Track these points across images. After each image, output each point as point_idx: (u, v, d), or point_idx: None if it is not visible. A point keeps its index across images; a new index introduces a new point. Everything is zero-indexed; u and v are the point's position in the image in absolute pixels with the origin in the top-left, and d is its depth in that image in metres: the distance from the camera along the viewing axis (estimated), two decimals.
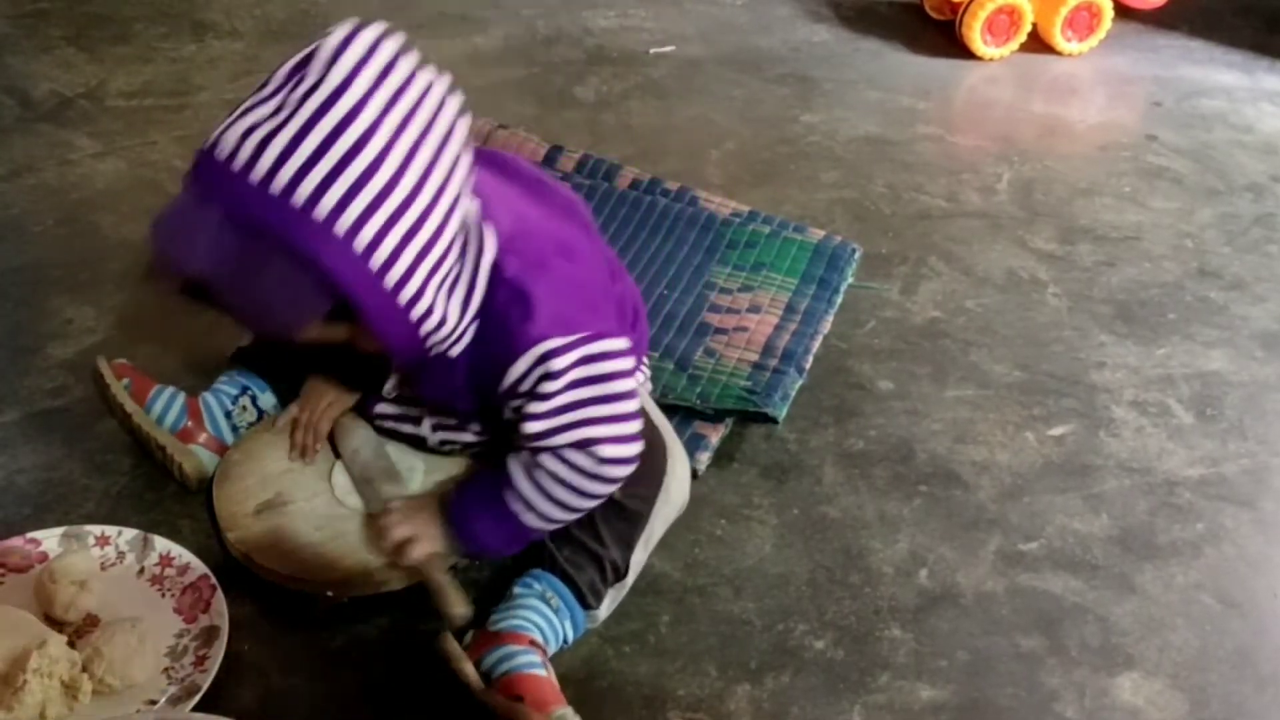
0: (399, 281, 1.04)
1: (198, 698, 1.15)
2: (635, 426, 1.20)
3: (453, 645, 1.19)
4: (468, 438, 1.34)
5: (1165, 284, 1.94)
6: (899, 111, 2.40)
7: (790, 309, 1.74)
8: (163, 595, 1.28)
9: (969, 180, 2.19)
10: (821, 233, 1.91)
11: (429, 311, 1.08)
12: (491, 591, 1.30)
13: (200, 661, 1.20)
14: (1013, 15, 2.59)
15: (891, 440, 1.59)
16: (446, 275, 1.09)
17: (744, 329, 1.69)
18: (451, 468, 1.37)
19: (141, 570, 1.30)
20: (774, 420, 1.55)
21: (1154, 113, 2.48)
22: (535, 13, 2.67)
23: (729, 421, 1.56)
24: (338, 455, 1.39)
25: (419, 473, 1.37)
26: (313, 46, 1.03)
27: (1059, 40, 2.64)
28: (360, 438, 1.38)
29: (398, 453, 1.38)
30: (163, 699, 1.17)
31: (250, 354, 1.47)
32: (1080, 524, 1.49)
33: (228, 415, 1.43)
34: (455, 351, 1.16)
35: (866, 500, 1.50)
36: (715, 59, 2.57)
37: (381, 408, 1.37)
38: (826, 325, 1.73)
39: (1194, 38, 2.77)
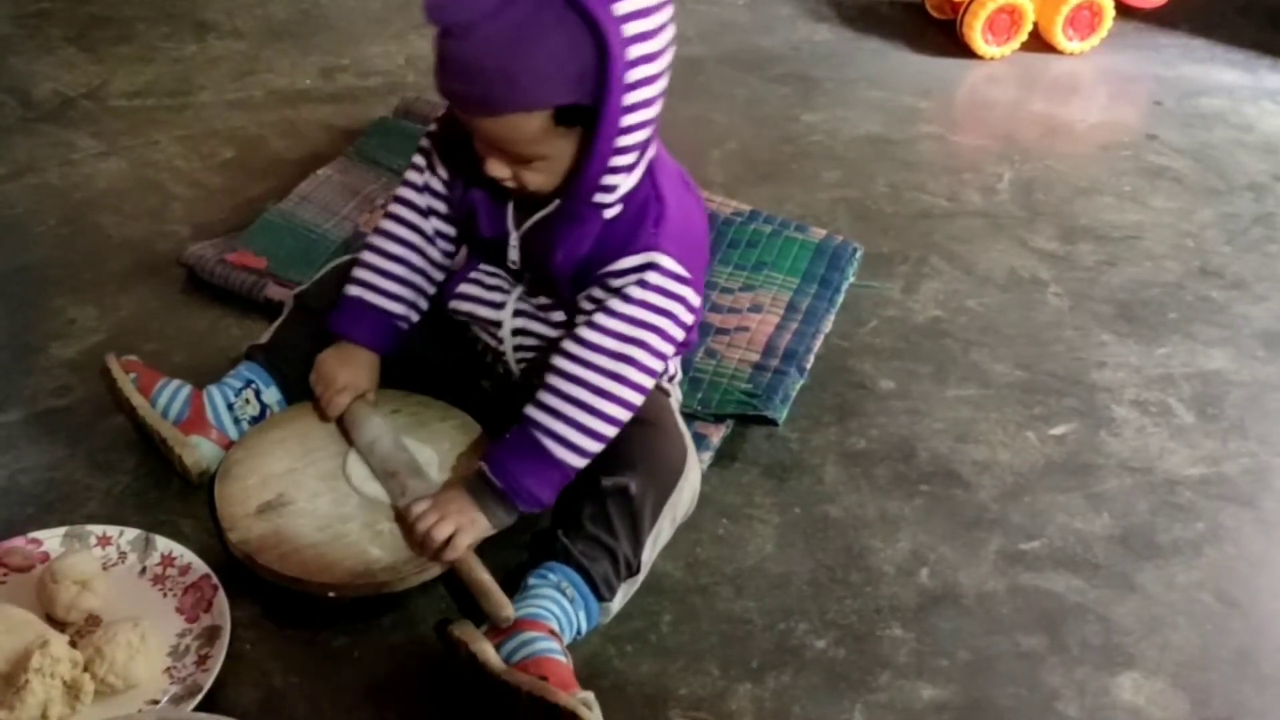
0: (636, 103, 1.15)
1: (199, 697, 1.16)
2: (660, 370, 1.29)
3: (470, 629, 1.18)
4: (545, 329, 1.35)
5: (1166, 283, 1.94)
6: (900, 111, 2.40)
7: (792, 308, 1.74)
8: (164, 595, 1.28)
9: (970, 179, 2.19)
10: (823, 232, 1.91)
11: (627, 152, 1.19)
12: (505, 585, 1.29)
13: (202, 661, 1.20)
14: (1014, 14, 2.59)
15: (893, 439, 1.59)
16: (648, 131, 1.21)
17: (745, 329, 1.69)
18: (461, 461, 1.38)
19: (143, 570, 1.30)
20: (775, 423, 1.56)
21: (1155, 112, 2.48)
22: None
23: (730, 422, 1.56)
24: (350, 443, 1.39)
25: (433, 466, 1.37)
26: None
27: (1060, 39, 2.64)
28: (377, 427, 1.38)
29: (413, 444, 1.39)
30: (165, 699, 1.17)
31: (264, 351, 1.46)
32: (1081, 523, 1.49)
33: (230, 407, 1.43)
34: (609, 213, 1.24)
35: (868, 499, 1.50)
36: (716, 58, 2.57)
37: (465, 288, 1.37)
38: (828, 324, 1.73)
39: (1195, 36, 2.77)
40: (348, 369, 1.40)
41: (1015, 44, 2.63)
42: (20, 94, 2.22)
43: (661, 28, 1.15)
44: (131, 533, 1.33)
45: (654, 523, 1.30)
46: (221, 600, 1.25)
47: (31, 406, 1.53)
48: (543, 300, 1.35)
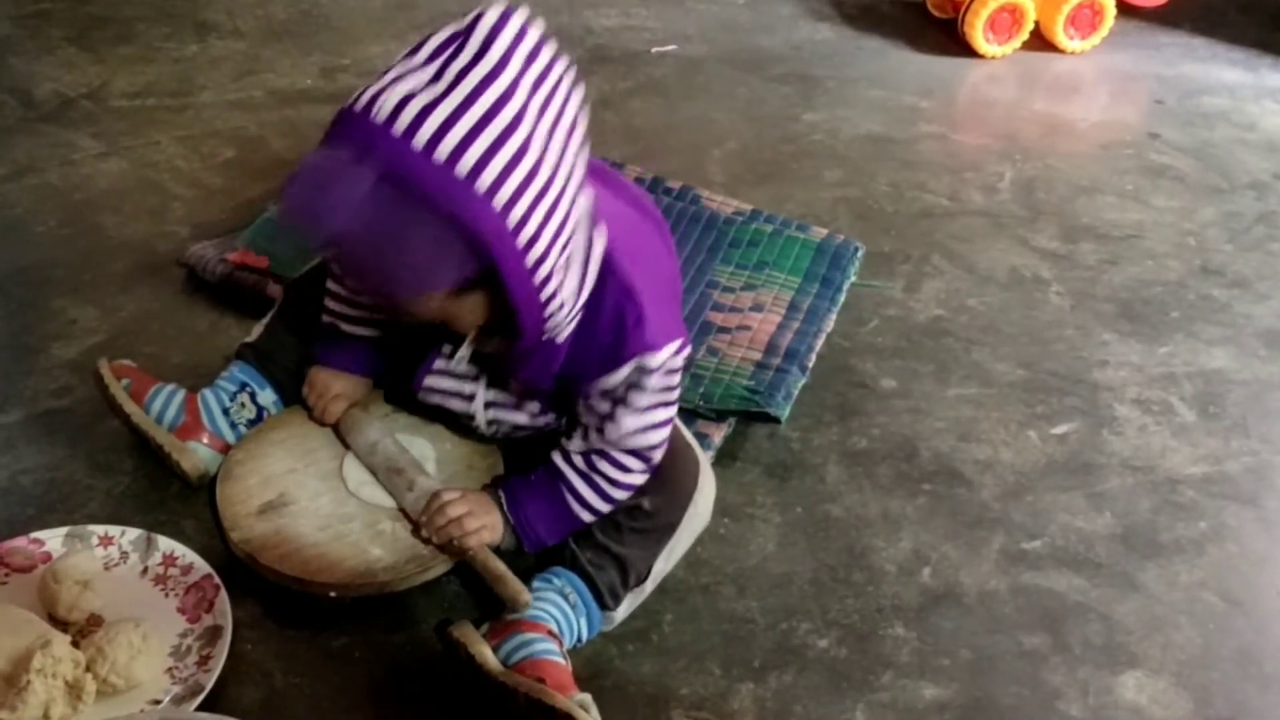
0: (539, 258, 1.08)
1: (201, 697, 1.15)
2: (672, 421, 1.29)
3: (469, 630, 1.18)
4: (520, 419, 1.34)
5: (1168, 282, 1.94)
6: (901, 110, 2.40)
7: (793, 308, 1.74)
8: (166, 595, 1.28)
9: (971, 179, 2.19)
10: (824, 231, 1.90)
11: (555, 292, 1.12)
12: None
13: (204, 661, 1.20)
14: (1015, 13, 2.59)
15: (895, 439, 1.59)
16: (570, 256, 1.13)
17: (747, 328, 1.69)
18: (460, 460, 1.38)
19: (145, 570, 1.30)
20: (777, 420, 1.55)
21: (1156, 111, 2.48)
22: (536, 12, 2.66)
23: (731, 420, 1.56)
24: (347, 447, 1.39)
25: (430, 463, 1.37)
26: (466, 23, 1.06)
27: (1061, 38, 2.64)
28: (376, 430, 1.38)
29: (408, 440, 1.39)
30: (166, 699, 1.17)
31: (254, 350, 1.47)
32: (1083, 522, 1.49)
33: (225, 412, 1.42)
34: (562, 338, 1.20)
35: (870, 499, 1.50)
36: (717, 58, 2.57)
37: (432, 380, 1.35)
38: (829, 324, 1.73)
39: (1196, 35, 2.77)
40: (340, 380, 1.41)
41: (1016, 43, 2.63)
42: (21, 94, 2.22)
43: (542, 152, 1.05)
44: (133, 533, 1.33)
45: (669, 538, 1.30)
46: (223, 600, 1.25)
47: (32, 407, 1.53)
48: (515, 391, 1.33)
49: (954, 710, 1.26)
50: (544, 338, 1.18)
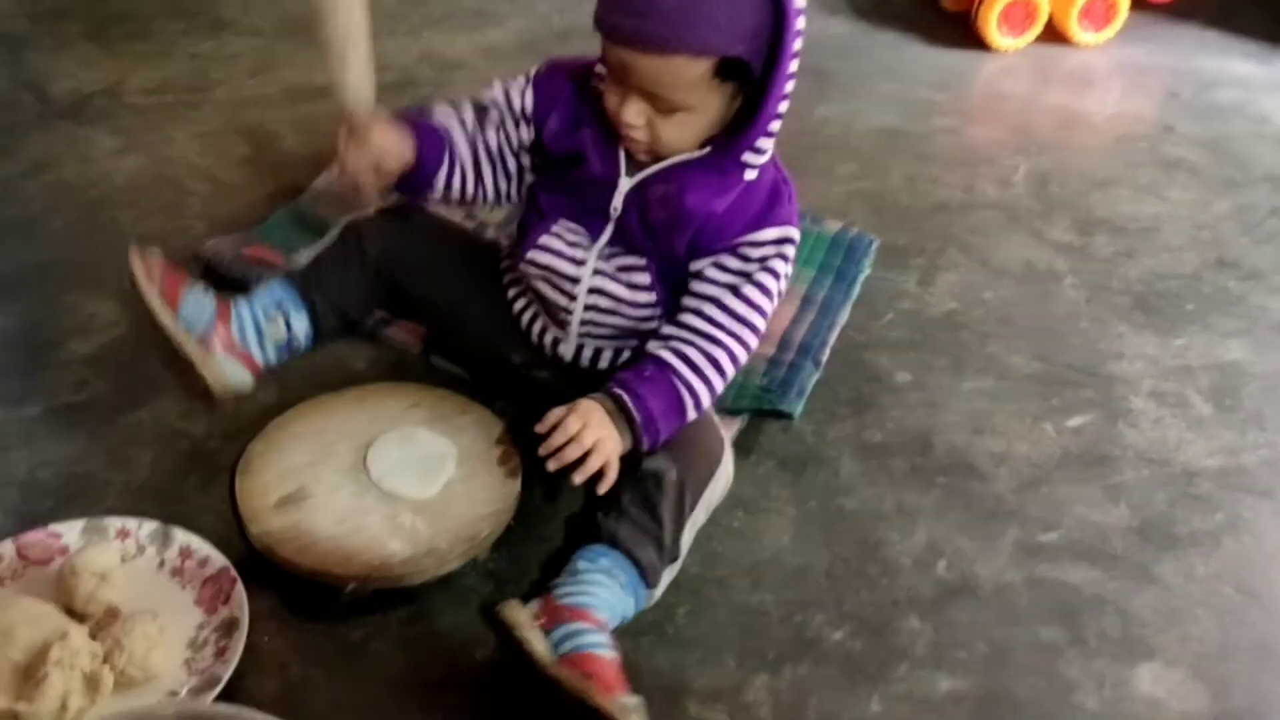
0: (791, 70, 1.22)
1: (218, 689, 1.16)
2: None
3: (520, 613, 1.15)
4: (621, 290, 1.35)
5: (1183, 275, 1.93)
6: (916, 103, 2.40)
7: (807, 300, 1.74)
8: (183, 587, 1.29)
9: (986, 172, 2.18)
10: (838, 224, 1.90)
11: (782, 113, 1.24)
12: (546, 566, 1.29)
13: (221, 653, 1.21)
14: (1028, 7, 2.58)
15: (909, 432, 1.59)
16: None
17: None
18: (480, 455, 1.38)
19: (162, 563, 1.31)
20: (790, 417, 1.55)
21: (1171, 103, 2.47)
22: (550, 7, 2.67)
23: (745, 415, 1.56)
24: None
25: (451, 460, 1.37)
26: None
27: (1075, 31, 2.63)
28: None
29: (431, 438, 1.39)
30: (183, 690, 1.17)
31: (299, 275, 1.44)
32: (1099, 515, 1.48)
33: (257, 328, 1.39)
34: (750, 175, 1.29)
35: (884, 492, 1.50)
36: None
37: (546, 239, 1.36)
38: (844, 317, 1.73)
39: (1210, 28, 2.76)
40: (384, 130, 1.31)
41: (1030, 36, 2.62)
42: (38, 91, 2.24)
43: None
44: (150, 525, 1.33)
45: (693, 509, 1.29)
46: (240, 592, 1.25)
47: (51, 401, 1.54)
48: (625, 261, 1.35)
49: (970, 702, 1.26)
50: (745, 158, 1.27)
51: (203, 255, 1.75)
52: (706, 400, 1.30)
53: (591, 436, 1.22)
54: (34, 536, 1.31)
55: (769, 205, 1.30)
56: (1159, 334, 1.80)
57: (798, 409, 1.56)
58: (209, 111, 2.20)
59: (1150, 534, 1.46)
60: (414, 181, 1.36)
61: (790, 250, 1.31)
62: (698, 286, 1.32)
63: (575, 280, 1.36)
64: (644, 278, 1.34)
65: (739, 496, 1.46)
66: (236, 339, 1.39)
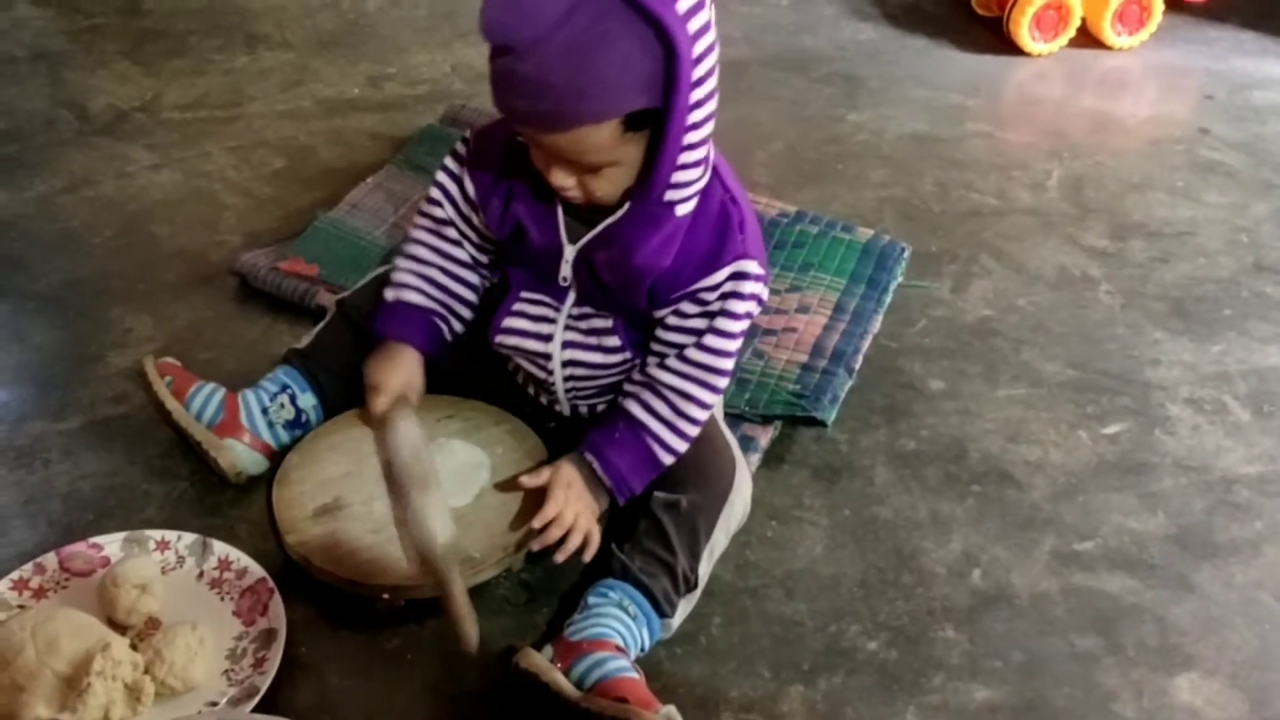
0: (699, 101, 1.14)
1: (257, 699, 1.17)
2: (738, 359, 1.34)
3: (538, 658, 1.18)
4: (596, 358, 1.35)
5: (1220, 279, 1.92)
6: (947, 109, 2.39)
7: (839, 309, 1.73)
8: (222, 598, 1.30)
9: (1019, 177, 2.17)
10: (870, 232, 1.90)
11: (696, 145, 1.17)
12: (563, 603, 1.32)
13: (259, 663, 1.22)
14: (1061, 10, 2.57)
15: (943, 440, 1.58)
16: (710, 124, 1.18)
17: (793, 329, 1.69)
18: (513, 466, 1.39)
19: (201, 574, 1.32)
20: (823, 423, 1.55)
21: (1206, 106, 2.44)
22: None
23: (778, 423, 1.56)
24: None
25: (485, 470, 1.38)
26: None
27: (1109, 34, 2.61)
28: (402, 435, 1.37)
29: (465, 448, 1.40)
30: (223, 700, 1.19)
31: (301, 355, 1.48)
32: (1136, 523, 1.47)
33: (264, 412, 1.44)
34: (682, 210, 1.22)
35: (919, 500, 1.49)
36: (760, 60, 2.57)
37: (510, 321, 1.36)
38: (876, 325, 1.72)
39: (1246, 29, 2.73)
40: (385, 367, 1.38)
41: (1063, 40, 2.61)
42: (77, 108, 2.27)
43: (712, 14, 1.14)
44: (189, 537, 1.35)
45: (709, 536, 1.30)
46: (277, 603, 1.26)
47: (91, 414, 1.56)
48: (593, 324, 1.34)
49: (1006, 712, 1.25)
50: (668, 197, 1.20)
51: (238, 269, 1.76)
52: (681, 446, 1.31)
53: (571, 514, 1.27)
54: (76, 548, 1.33)
55: (719, 240, 1.25)
56: (1196, 340, 1.78)
57: (831, 416, 1.56)
58: (244, 126, 2.23)
59: (1188, 542, 1.45)
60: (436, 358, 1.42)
61: (747, 285, 1.26)
62: (662, 334, 1.31)
63: (547, 357, 1.36)
64: (614, 340, 1.34)
65: (772, 506, 1.46)
66: (245, 424, 1.43)
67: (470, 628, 1.19)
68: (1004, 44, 2.62)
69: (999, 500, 1.50)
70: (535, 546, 1.29)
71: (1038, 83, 2.53)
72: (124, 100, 2.30)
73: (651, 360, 1.31)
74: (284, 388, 1.46)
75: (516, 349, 1.38)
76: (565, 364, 1.36)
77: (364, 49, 2.52)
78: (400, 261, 1.41)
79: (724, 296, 1.26)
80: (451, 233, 1.38)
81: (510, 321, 1.36)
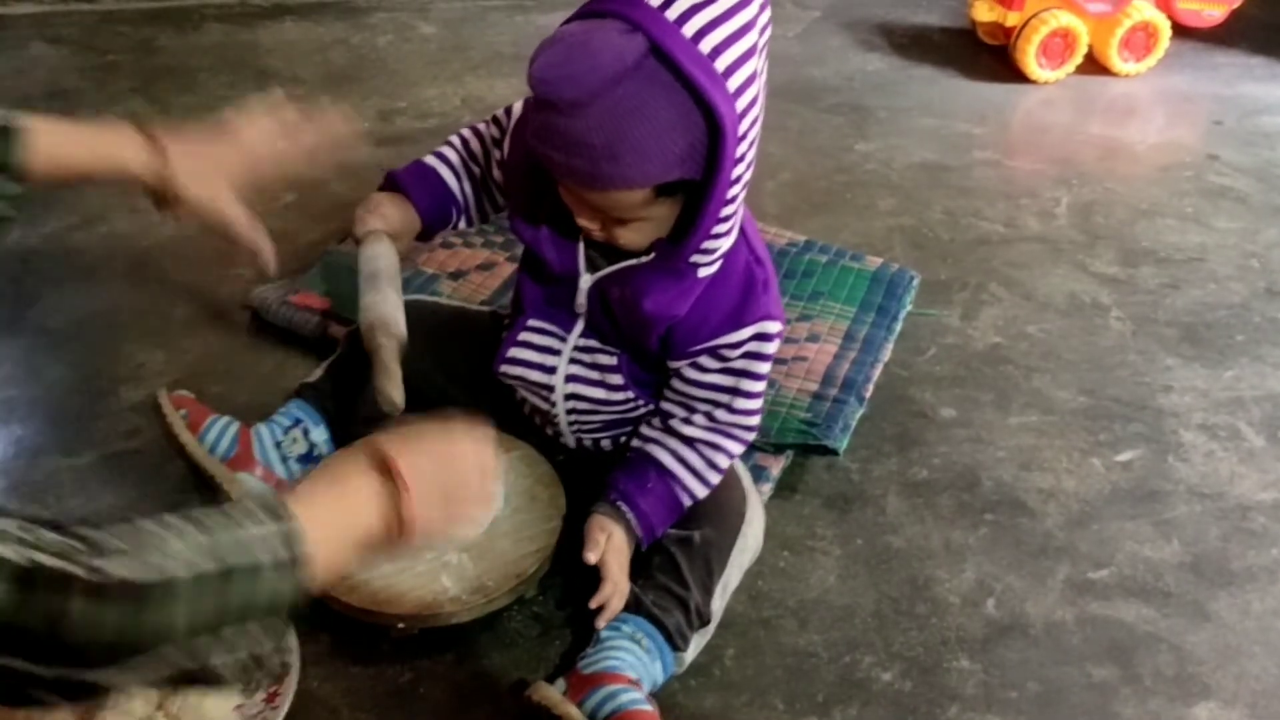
0: (740, 174, 1.14)
1: None
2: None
3: (551, 691, 1.17)
4: (598, 393, 1.35)
5: (1232, 305, 1.91)
6: (955, 137, 2.40)
7: (849, 337, 1.73)
8: None
9: (1027, 205, 2.17)
10: (879, 260, 1.90)
11: (733, 214, 1.18)
12: (576, 637, 1.31)
13: (272, 698, 1.21)
14: (1067, 38, 2.58)
15: (955, 468, 1.58)
16: (743, 197, 1.19)
17: (803, 358, 1.69)
18: (524, 493, 1.39)
19: None
20: (835, 452, 1.55)
21: (1215, 131, 2.45)
22: None
23: (790, 453, 1.55)
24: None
25: (498, 498, 1.38)
26: None
27: (1115, 61, 2.62)
28: (382, 256, 1.36)
29: None
30: None
31: (312, 389, 1.49)
32: (1151, 551, 1.47)
33: (278, 445, 1.45)
34: (704, 272, 1.23)
35: (932, 529, 1.49)
36: (769, 90, 2.57)
37: (515, 351, 1.36)
38: (886, 353, 1.72)
39: (1255, 54, 2.74)
40: (387, 204, 1.38)
41: (1070, 67, 2.62)
42: None
43: (759, 92, 1.14)
44: None
45: (722, 571, 1.30)
46: (290, 638, 1.26)
47: (104, 449, 1.57)
48: (598, 359, 1.33)
49: None
50: (693, 260, 1.20)
51: (250, 303, 1.77)
52: (704, 493, 1.32)
53: (624, 581, 1.28)
54: None
55: (743, 299, 1.25)
56: (1208, 366, 1.77)
57: (843, 444, 1.56)
58: None
59: (1204, 570, 1.44)
60: (424, 237, 1.42)
61: (769, 346, 1.27)
62: (679, 385, 1.30)
63: (550, 389, 1.36)
64: (617, 378, 1.33)
65: (784, 536, 1.46)
66: (259, 458, 1.43)
67: (394, 391, 1.21)
68: (1011, 72, 2.63)
69: (1012, 529, 1.49)
70: (600, 624, 1.26)
71: (1045, 110, 2.54)
72: None
73: (677, 413, 1.31)
74: (296, 421, 1.46)
75: (520, 379, 1.38)
76: (568, 397, 1.36)
77: (374, 83, 2.54)
78: (451, 139, 1.43)
79: (746, 356, 1.26)
80: (476, 145, 1.40)
81: (515, 352, 1.36)
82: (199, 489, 1.47)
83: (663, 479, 1.31)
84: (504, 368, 1.37)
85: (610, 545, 1.28)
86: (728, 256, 1.23)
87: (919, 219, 2.12)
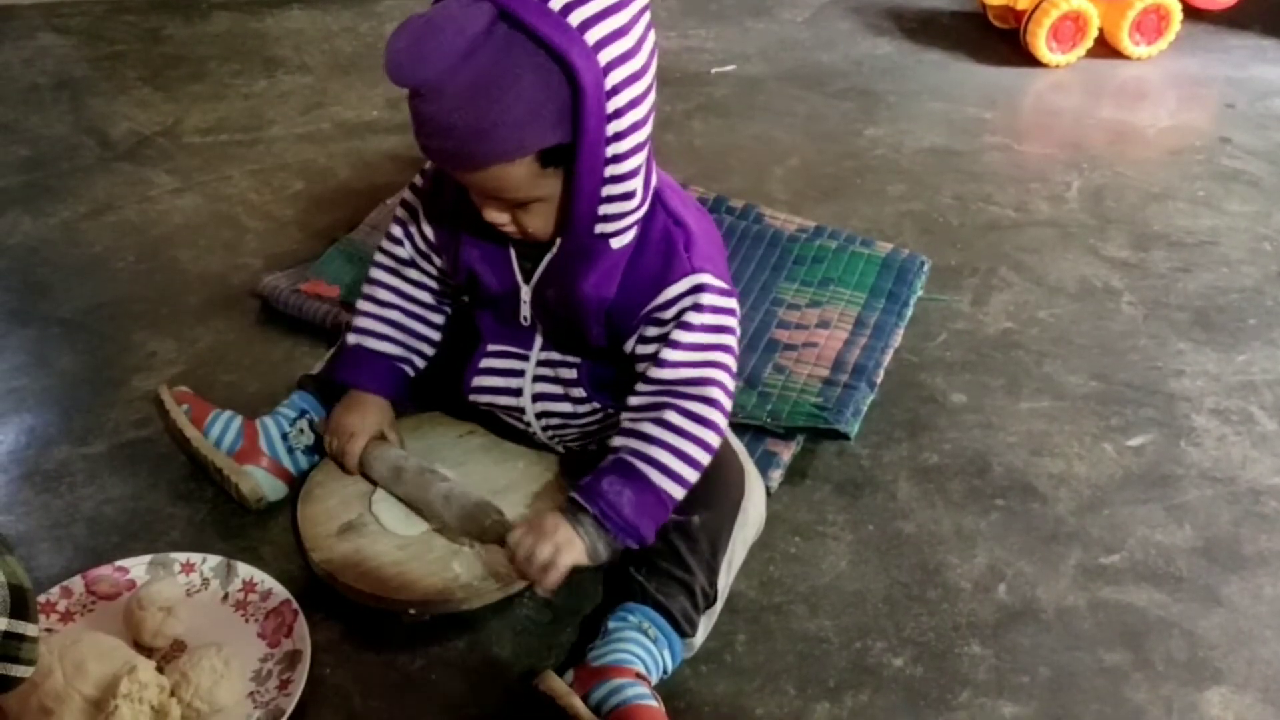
0: (618, 134, 1.10)
1: None
2: (734, 385, 1.27)
3: (558, 682, 1.18)
4: (564, 408, 1.35)
5: (1244, 289, 1.90)
6: (965, 122, 2.39)
7: (860, 323, 1.73)
8: (246, 620, 1.30)
9: (1038, 189, 2.16)
10: (889, 246, 1.90)
11: (623, 177, 1.14)
12: (583, 629, 1.31)
13: (284, 685, 1.22)
14: (1078, 21, 2.56)
15: (966, 454, 1.57)
16: (642, 154, 1.15)
17: (814, 344, 1.69)
18: (537, 475, 1.40)
19: (225, 596, 1.33)
20: (846, 436, 1.55)
21: (1227, 114, 2.43)
22: None
23: (800, 438, 1.55)
24: (374, 484, 1.39)
25: (509, 489, 1.38)
26: None
27: (1127, 44, 2.61)
28: (394, 457, 1.38)
29: (488, 463, 1.42)
30: None
31: (315, 380, 1.49)
32: (1163, 535, 1.46)
33: (284, 437, 1.44)
34: (618, 243, 1.20)
35: (942, 515, 1.48)
36: (777, 76, 2.58)
37: (480, 379, 1.36)
38: (897, 339, 1.72)
39: (1267, 37, 2.73)
40: (355, 414, 1.40)
41: (1081, 51, 2.60)
42: (98, 134, 2.29)
43: (640, 42, 1.10)
44: (214, 559, 1.35)
45: (725, 550, 1.29)
46: (302, 625, 1.26)
47: (115, 438, 1.57)
48: (560, 374, 1.33)
49: None
50: (598, 230, 1.18)
51: (260, 292, 1.77)
52: (681, 467, 1.22)
53: (547, 549, 1.20)
54: (101, 572, 1.34)
55: (663, 263, 1.22)
56: (1220, 350, 1.77)
57: (854, 429, 1.56)
58: (264, 150, 2.24)
59: (1216, 554, 1.44)
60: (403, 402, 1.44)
61: (706, 297, 1.21)
62: (640, 369, 1.25)
63: (520, 410, 1.36)
64: (579, 391, 1.33)
65: (795, 522, 1.46)
66: (265, 450, 1.43)
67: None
68: (1021, 56, 2.61)
69: (1023, 514, 1.49)
70: (541, 594, 1.25)
71: (1056, 94, 2.53)
72: (145, 126, 2.32)
73: (637, 398, 1.25)
74: (302, 413, 1.47)
75: (490, 404, 1.38)
76: (539, 415, 1.36)
77: (382, 72, 2.52)
78: (361, 303, 1.42)
79: (681, 312, 1.22)
80: (413, 274, 1.39)
81: (480, 380, 1.37)
82: (209, 479, 1.48)
83: (617, 458, 1.24)
84: (472, 396, 1.38)
85: (541, 531, 1.22)
86: (643, 225, 1.21)
87: (929, 204, 2.11)
